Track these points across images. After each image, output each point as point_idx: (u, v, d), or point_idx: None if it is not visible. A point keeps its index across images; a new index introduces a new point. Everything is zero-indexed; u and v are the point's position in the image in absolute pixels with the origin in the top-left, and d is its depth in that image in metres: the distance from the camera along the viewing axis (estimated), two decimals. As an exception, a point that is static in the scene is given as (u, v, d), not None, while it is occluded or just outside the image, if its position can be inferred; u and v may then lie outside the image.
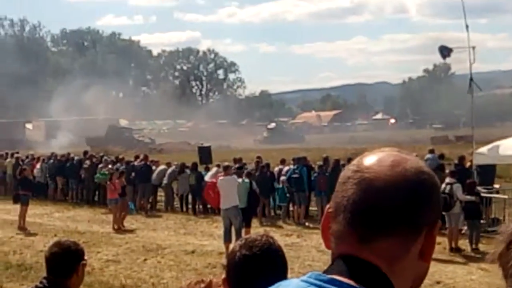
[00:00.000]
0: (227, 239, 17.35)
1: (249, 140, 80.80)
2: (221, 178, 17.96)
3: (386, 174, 1.57)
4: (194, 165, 26.69)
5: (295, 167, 23.89)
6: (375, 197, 1.55)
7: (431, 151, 25.47)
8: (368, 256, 1.55)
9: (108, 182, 23.30)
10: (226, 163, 20.14)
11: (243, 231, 17.24)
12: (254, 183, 19.76)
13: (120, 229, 22.16)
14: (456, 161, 22.59)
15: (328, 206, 1.67)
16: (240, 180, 18.56)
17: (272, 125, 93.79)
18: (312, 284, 1.55)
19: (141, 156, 29.66)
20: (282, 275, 3.07)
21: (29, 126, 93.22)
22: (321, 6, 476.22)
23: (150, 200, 27.37)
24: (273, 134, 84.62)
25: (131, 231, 22.00)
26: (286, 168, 24.49)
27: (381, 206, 1.55)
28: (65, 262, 4.55)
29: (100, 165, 28.60)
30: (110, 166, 28.04)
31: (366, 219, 1.55)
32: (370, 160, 1.62)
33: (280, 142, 69.64)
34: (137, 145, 67.16)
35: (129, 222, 23.93)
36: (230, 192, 17.56)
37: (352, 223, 1.57)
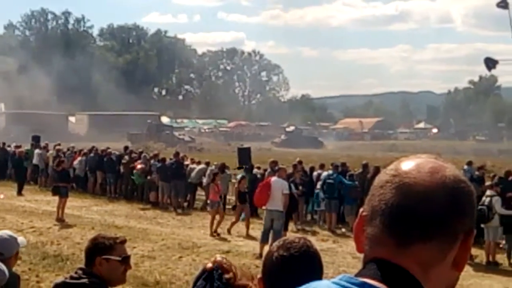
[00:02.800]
0: (265, 239, 17.33)
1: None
2: (274, 179, 17.90)
3: (425, 180, 1.57)
4: (251, 167, 26.23)
5: (331, 173, 23.53)
6: (414, 203, 1.55)
7: (469, 163, 25.30)
8: (403, 261, 1.55)
9: (212, 183, 22.06)
10: (281, 165, 20.05)
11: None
12: (293, 186, 19.73)
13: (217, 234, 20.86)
14: (500, 175, 22.21)
15: (361, 209, 1.66)
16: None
17: (291, 128, 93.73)
18: (342, 286, 1.55)
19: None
20: (317, 278, 3.05)
21: (72, 119, 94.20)
22: (366, 13, 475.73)
23: (188, 198, 27.49)
24: (290, 138, 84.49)
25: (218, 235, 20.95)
26: (325, 173, 24.20)
27: (420, 211, 1.54)
28: (87, 253, 4.72)
29: (139, 161, 28.83)
30: (141, 166, 28.15)
31: (405, 224, 1.55)
32: (408, 165, 1.62)
33: (297, 146, 69.66)
34: (177, 143, 67.57)
35: (166, 219, 24.06)
36: (280, 194, 17.54)
37: (390, 227, 1.57)
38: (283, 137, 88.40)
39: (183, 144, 68.23)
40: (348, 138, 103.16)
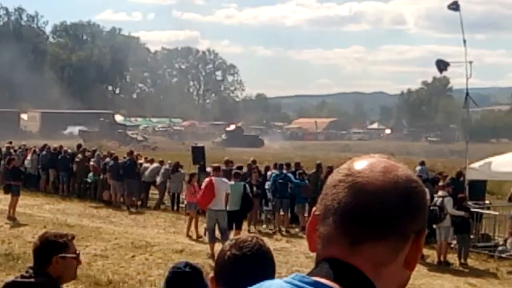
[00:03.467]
0: (213, 239, 17.36)
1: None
2: (216, 178, 17.82)
3: (378, 179, 1.57)
4: (203, 166, 26.09)
5: (278, 173, 23.12)
6: (367, 202, 1.55)
7: (422, 163, 25.54)
8: (355, 260, 1.55)
9: (188, 184, 21.84)
10: (216, 164, 19.90)
11: (232, 233, 17.25)
12: (247, 186, 19.69)
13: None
14: (452, 175, 22.42)
15: (314, 208, 1.66)
16: (232, 182, 18.49)
17: (232, 127, 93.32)
18: (295, 285, 1.55)
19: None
20: (270, 277, 3.05)
21: (24, 116, 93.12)
22: (319, 13, 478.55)
23: (141, 197, 27.31)
24: (232, 137, 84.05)
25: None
26: (273, 173, 23.79)
27: (372, 211, 1.54)
28: (40, 252, 4.64)
29: (93, 159, 28.63)
30: (92, 163, 28.03)
31: (357, 223, 1.55)
32: (361, 164, 1.62)
33: (238, 145, 69.51)
34: (131, 142, 67.17)
35: (119, 218, 23.90)
36: (223, 194, 17.52)
37: (342, 227, 1.56)
38: (223, 136, 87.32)
39: (137, 143, 67.85)
40: (302, 138, 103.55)
